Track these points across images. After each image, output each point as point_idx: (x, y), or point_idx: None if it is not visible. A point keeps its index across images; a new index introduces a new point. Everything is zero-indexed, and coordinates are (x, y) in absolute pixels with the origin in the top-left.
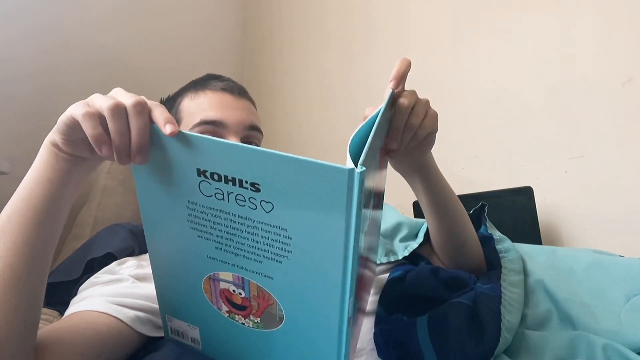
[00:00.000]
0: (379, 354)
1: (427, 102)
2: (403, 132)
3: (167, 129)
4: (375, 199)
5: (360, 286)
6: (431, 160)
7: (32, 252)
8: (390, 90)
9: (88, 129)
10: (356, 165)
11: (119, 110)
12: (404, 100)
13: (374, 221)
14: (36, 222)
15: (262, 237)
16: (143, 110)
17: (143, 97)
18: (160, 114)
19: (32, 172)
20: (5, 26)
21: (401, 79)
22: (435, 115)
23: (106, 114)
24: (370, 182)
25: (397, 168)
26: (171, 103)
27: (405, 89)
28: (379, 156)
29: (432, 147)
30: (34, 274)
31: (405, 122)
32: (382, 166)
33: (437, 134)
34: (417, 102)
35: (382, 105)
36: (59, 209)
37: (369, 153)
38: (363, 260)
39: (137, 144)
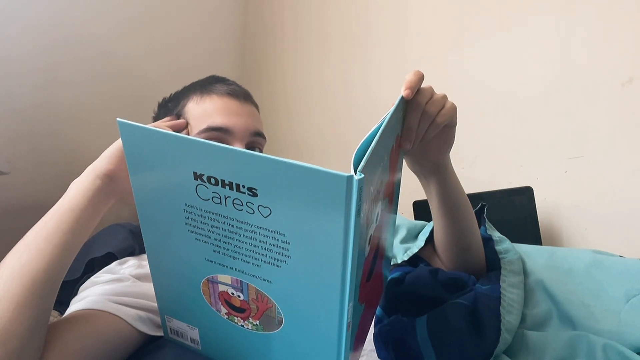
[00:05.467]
0: (379, 354)
1: (445, 96)
2: (419, 123)
3: None
4: (385, 201)
5: (367, 290)
6: (449, 162)
7: (52, 265)
8: (401, 95)
9: None
10: (356, 172)
11: None
12: (419, 96)
13: (385, 224)
14: (60, 244)
15: (260, 241)
16: None
17: None
18: None
19: (71, 199)
20: (5, 24)
21: (414, 88)
22: (454, 107)
23: None
24: (377, 186)
25: (414, 169)
26: (174, 104)
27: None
28: (388, 159)
29: (451, 145)
30: (50, 282)
31: (422, 113)
32: (394, 168)
33: None
34: (433, 94)
35: (390, 109)
36: (84, 234)
37: (372, 158)
38: (368, 265)
39: None
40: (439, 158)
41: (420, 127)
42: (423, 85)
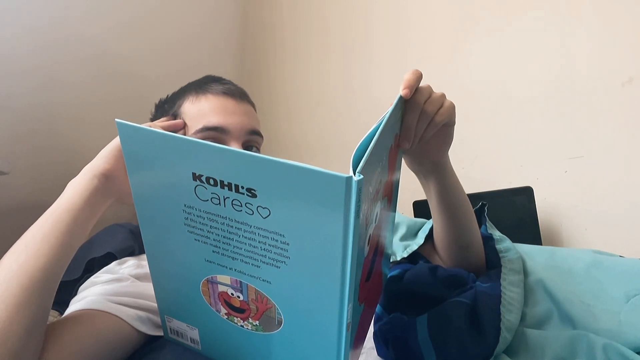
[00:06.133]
0: (379, 352)
1: (443, 94)
2: (417, 123)
3: None
4: (384, 201)
5: (366, 289)
6: (448, 161)
7: (50, 265)
8: (399, 94)
9: None
10: (355, 173)
11: None
12: (418, 95)
13: (384, 223)
14: (57, 244)
15: (259, 242)
16: None
17: None
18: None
19: (69, 199)
20: (4, 24)
21: (412, 87)
22: (452, 106)
23: None
24: (376, 186)
25: (413, 168)
26: (171, 105)
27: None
28: (387, 158)
29: (450, 143)
30: (48, 282)
31: (420, 112)
32: (393, 168)
33: None
34: (431, 93)
35: (389, 109)
36: (81, 234)
37: (371, 159)
38: (367, 264)
39: None
40: (438, 157)
41: (418, 126)
42: (421, 84)
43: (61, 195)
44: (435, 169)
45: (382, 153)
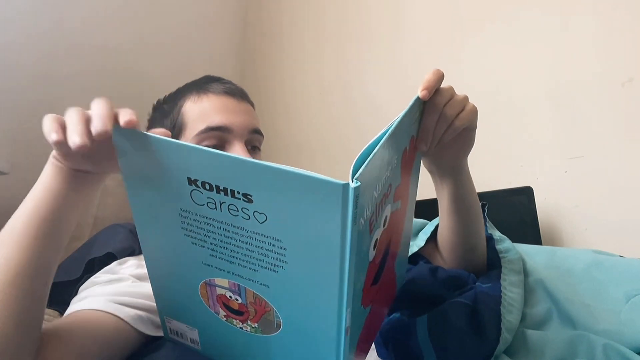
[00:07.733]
0: (379, 353)
1: (466, 97)
2: (436, 126)
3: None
4: (396, 204)
5: (373, 292)
6: (466, 165)
7: (35, 259)
8: (416, 96)
9: (45, 125)
10: (352, 179)
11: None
12: (438, 96)
13: (399, 225)
14: (41, 234)
15: (256, 246)
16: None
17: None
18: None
19: (39, 185)
20: (6, 28)
21: (432, 89)
22: (475, 110)
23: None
24: (384, 190)
25: (430, 168)
26: (171, 105)
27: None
28: (399, 161)
29: (471, 148)
30: (38, 275)
31: (439, 115)
32: (409, 170)
33: None
34: (453, 95)
35: (402, 111)
36: (65, 220)
37: (374, 164)
38: (374, 268)
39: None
40: (457, 161)
41: (437, 129)
42: (443, 85)
43: (39, 177)
44: (452, 172)
45: (392, 156)
